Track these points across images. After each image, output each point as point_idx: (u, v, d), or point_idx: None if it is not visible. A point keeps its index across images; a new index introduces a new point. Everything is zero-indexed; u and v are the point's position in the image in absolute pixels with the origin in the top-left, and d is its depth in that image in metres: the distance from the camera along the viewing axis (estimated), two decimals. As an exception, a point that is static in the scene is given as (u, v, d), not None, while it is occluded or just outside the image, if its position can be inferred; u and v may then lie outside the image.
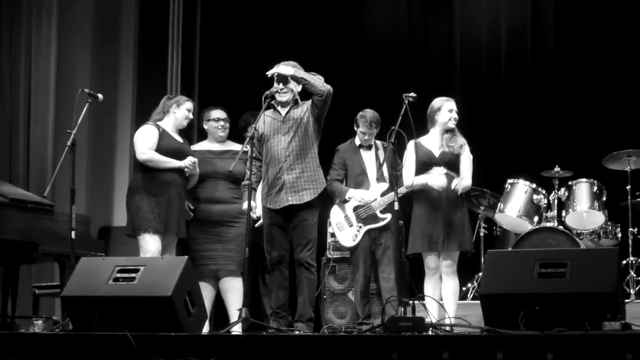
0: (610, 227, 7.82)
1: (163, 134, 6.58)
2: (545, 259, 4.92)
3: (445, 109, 6.57)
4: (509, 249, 7.40)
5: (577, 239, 7.45)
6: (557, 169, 7.85)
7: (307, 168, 6.28)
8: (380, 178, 6.81)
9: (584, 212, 7.68)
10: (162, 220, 6.42)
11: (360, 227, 6.78)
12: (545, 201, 7.74)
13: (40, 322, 6.07)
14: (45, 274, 8.34)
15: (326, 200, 6.71)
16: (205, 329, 5.81)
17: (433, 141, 6.56)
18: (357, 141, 6.88)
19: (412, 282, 6.53)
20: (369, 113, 6.80)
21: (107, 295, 5.19)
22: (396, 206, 6.11)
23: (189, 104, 6.74)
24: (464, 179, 6.51)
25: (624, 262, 7.50)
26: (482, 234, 8.07)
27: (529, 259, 4.94)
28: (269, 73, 6.28)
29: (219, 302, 6.80)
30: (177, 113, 6.68)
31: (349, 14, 9.58)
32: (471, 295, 7.75)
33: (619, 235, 7.83)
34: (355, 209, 6.80)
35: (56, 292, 7.13)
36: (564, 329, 4.49)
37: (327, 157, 6.81)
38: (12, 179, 8.21)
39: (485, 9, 9.29)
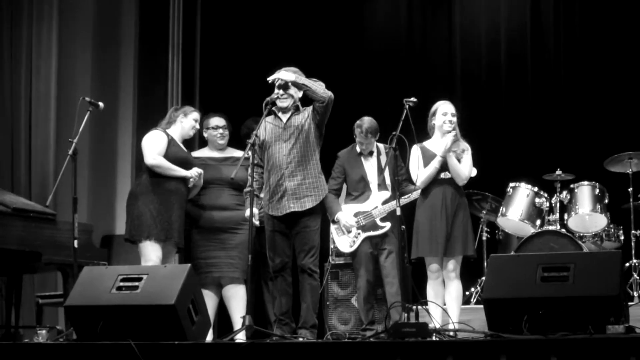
0: (612, 230, 7.82)
1: (171, 142, 6.59)
2: (548, 263, 4.91)
3: (439, 113, 6.56)
4: (512, 253, 7.40)
5: (580, 242, 7.45)
6: (558, 172, 7.85)
7: (308, 175, 6.28)
8: (382, 185, 6.81)
9: (586, 215, 7.68)
10: (164, 228, 6.43)
11: (359, 233, 6.78)
12: (547, 204, 7.74)
13: (44, 331, 6.07)
14: (48, 283, 8.34)
15: (328, 206, 6.73)
16: (209, 337, 5.81)
17: (437, 145, 6.56)
18: (358, 148, 6.88)
19: (414, 287, 6.52)
20: (365, 123, 6.78)
21: (111, 304, 5.18)
22: (398, 211, 6.10)
23: (195, 114, 6.76)
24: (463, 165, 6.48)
25: (627, 264, 7.50)
26: (484, 238, 8.07)
27: (531, 263, 4.93)
28: (270, 79, 6.28)
29: (223, 310, 6.80)
30: (184, 123, 6.69)
31: (349, 18, 9.59)
32: (474, 300, 7.74)
33: (622, 237, 7.83)
34: (355, 215, 6.80)
35: (59, 301, 7.13)
36: (567, 333, 4.48)
37: (329, 163, 6.81)
38: (14, 188, 8.20)
39: (485, 11, 9.30)
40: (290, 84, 6.25)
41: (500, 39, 9.22)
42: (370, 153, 6.86)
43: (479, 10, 9.33)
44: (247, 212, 6.17)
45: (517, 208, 7.69)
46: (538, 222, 7.70)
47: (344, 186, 6.98)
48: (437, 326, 5.79)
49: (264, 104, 6.23)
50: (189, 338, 5.07)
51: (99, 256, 6.93)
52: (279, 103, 6.31)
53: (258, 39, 9.43)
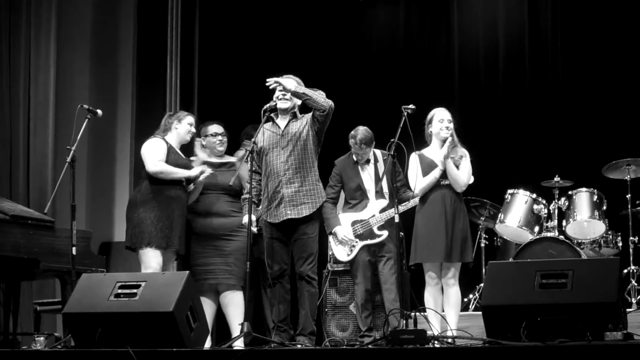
0: (610, 236, 7.83)
1: (170, 150, 6.60)
2: (546, 270, 4.91)
3: (436, 120, 6.56)
4: (510, 260, 7.40)
5: (578, 249, 7.46)
6: (557, 178, 7.87)
7: (306, 182, 6.27)
8: (379, 192, 6.81)
9: (585, 221, 7.69)
10: (165, 235, 6.43)
11: (356, 242, 6.77)
12: (546, 211, 7.75)
13: (42, 339, 6.07)
14: (46, 290, 8.33)
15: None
16: (207, 344, 5.80)
17: (435, 153, 6.56)
18: (354, 157, 6.87)
19: (412, 294, 6.53)
20: (359, 133, 6.77)
21: (109, 311, 5.18)
22: (397, 218, 6.10)
23: (190, 118, 6.76)
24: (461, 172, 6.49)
25: (625, 271, 7.50)
26: (483, 244, 8.08)
27: (530, 270, 4.93)
28: (270, 82, 6.20)
29: (221, 317, 6.79)
30: (180, 129, 6.69)
31: (348, 25, 9.61)
32: (473, 307, 7.74)
33: (620, 244, 7.84)
34: (353, 224, 6.80)
35: (57, 308, 7.12)
36: (565, 340, 4.48)
37: (326, 171, 6.81)
38: (12, 195, 8.20)
39: (483, 17, 9.32)
40: (291, 93, 6.23)
41: (499, 45, 9.23)
42: (367, 161, 6.86)
43: (477, 19, 9.34)
44: (245, 219, 6.18)
45: (515, 215, 7.70)
46: (536, 228, 7.70)
47: (342, 194, 6.97)
48: (436, 333, 5.78)
49: (262, 111, 6.23)
50: (187, 345, 5.06)
51: (97, 263, 6.92)
52: (281, 104, 6.29)
53: (256, 46, 9.44)
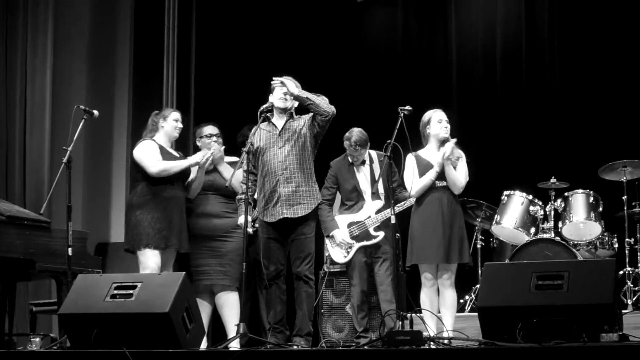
0: (606, 238, 7.83)
1: (162, 150, 6.59)
2: (542, 271, 4.91)
3: (434, 121, 6.57)
4: (506, 261, 7.40)
5: (574, 250, 7.46)
6: (553, 180, 7.87)
7: (303, 182, 6.26)
8: (375, 193, 6.80)
9: (581, 223, 7.69)
10: (163, 236, 6.43)
11: (353, 243, 6.77)
12: (542, 212, 7.76)
13: (37, 339, 6.07)
14: (42, 291, 8.32)
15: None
16: (203, 345, 5.80)
17: (431, 154, 6.56)
18: (350, 158, 6.87)
19: (408, 295, 6.52)
20: (353, 135, 6.76)
21: (105, 312, 5.18)
22: (393, 219, 6.10)
23: (175, 114, 6.76)
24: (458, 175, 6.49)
25: (621, 272, 7.51)
26: (479, 246, 8.08)
27: (526, 271, 4.94)
28: (276, 80, 6.18)
29: (217, 318, 6.79)
30: (166, 126, 6.69)
31: (345, 26, 9.61)
32: (469, 308, 7.74)
33: (616, 245, 7.84)
34: (349, 225, 6.80)
35: (53, 309, 7.11)
36: (561, 341, 4.48)
37: (322, 172, 6.80)
38: (8, 196, 8.19)
39: (481, 18, 9.32)
40: (293, 97, 6.22)
41: (496, 47, 9.24)
42: (363, 162, 6.85)
43: (475, 20, 9.35)
44: (241, 220, 6.18)
45: (511, 216, 7.70)
46: (532, 230, 7.71)
47: (338, 195, 6.97)
48: (432, 334, 5.78)
49: (258, 112, 6.23)
50: (183, 346, 5.06)
51: (93, 264, 6.91)
52: (280, 104, 6.28)
53: (253, 47, 9.44)
